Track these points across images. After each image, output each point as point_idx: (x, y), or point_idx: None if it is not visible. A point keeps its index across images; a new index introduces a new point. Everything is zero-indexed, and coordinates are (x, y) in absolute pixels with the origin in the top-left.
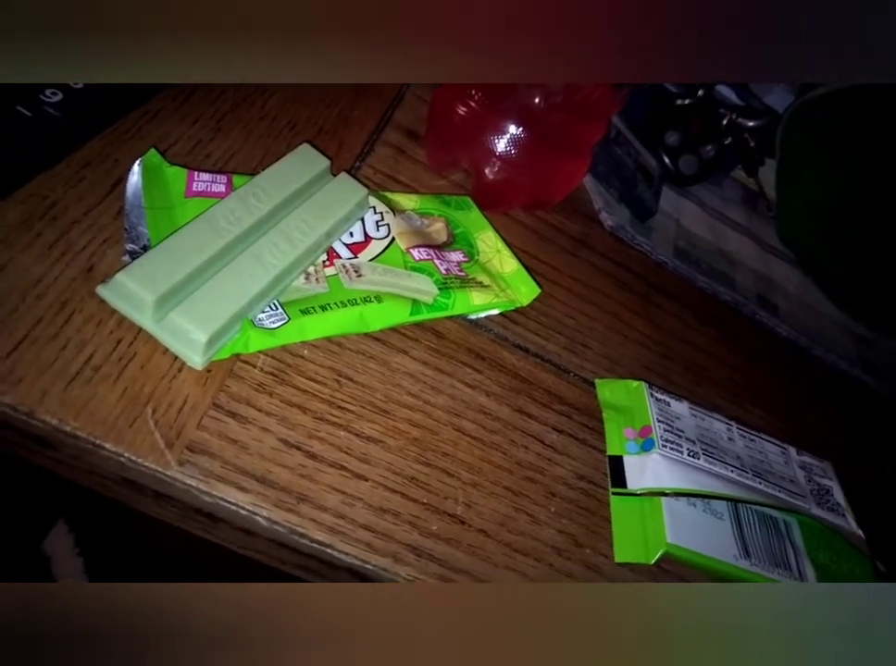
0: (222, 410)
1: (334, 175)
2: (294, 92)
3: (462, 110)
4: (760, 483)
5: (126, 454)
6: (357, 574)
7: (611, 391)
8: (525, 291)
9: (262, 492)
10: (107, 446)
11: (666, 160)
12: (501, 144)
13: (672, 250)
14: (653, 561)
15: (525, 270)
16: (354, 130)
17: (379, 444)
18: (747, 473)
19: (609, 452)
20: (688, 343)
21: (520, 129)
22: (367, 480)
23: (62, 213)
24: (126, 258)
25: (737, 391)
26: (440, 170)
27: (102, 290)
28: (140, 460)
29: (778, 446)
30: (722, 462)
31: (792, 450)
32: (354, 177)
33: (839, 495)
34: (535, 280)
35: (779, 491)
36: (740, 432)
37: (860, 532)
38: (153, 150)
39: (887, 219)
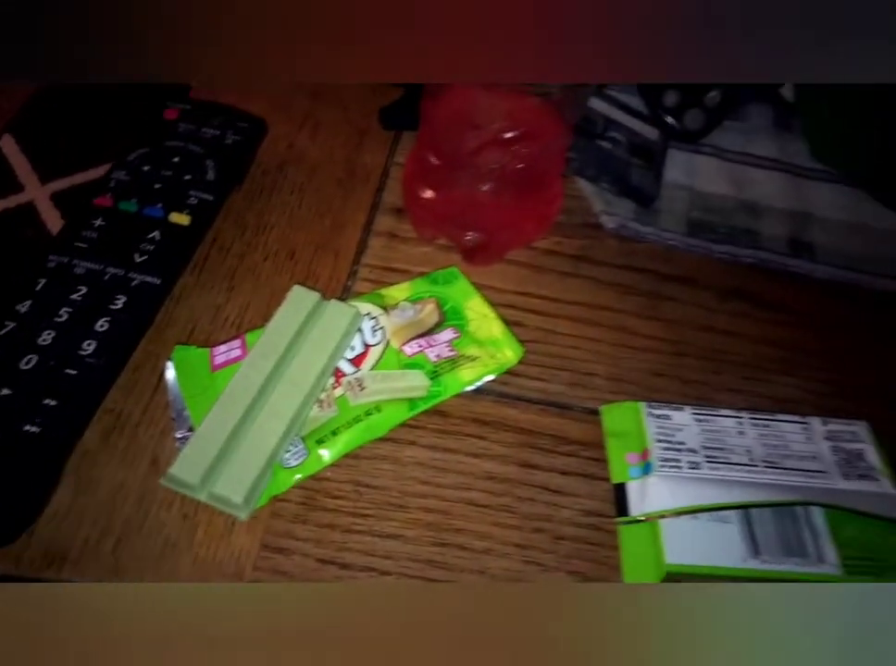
0: (269, 548)
1: (328, 300)
2: (290, 216)
3: (425, 194)
4: (772, 473)
5: None
6: None
7: (612, 417)
8: (510, 353)
9: None
10: None
11: (671, 120)
12: (467, 219)
13: (685, 226)
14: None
15: (508, 331)
16: (348, 233)
17: (399, 539)
18: (757, 466)
19: (613, 481)
20: (707, 330)
21: (480, 197)
22: (391, 575)
23: (127, 419)
24: (178, 444)
25: (763, 366)
26: (429, 238)
27: (163, 482)
28: None
29: (799, 422)
30: (727, 464)
31: (816, 422)
32: (352, 281)
33: (872, 457)
34: (518, 339)
35: (796, 475)
36: (752, 421)
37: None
38: (176, 347)
39: None
